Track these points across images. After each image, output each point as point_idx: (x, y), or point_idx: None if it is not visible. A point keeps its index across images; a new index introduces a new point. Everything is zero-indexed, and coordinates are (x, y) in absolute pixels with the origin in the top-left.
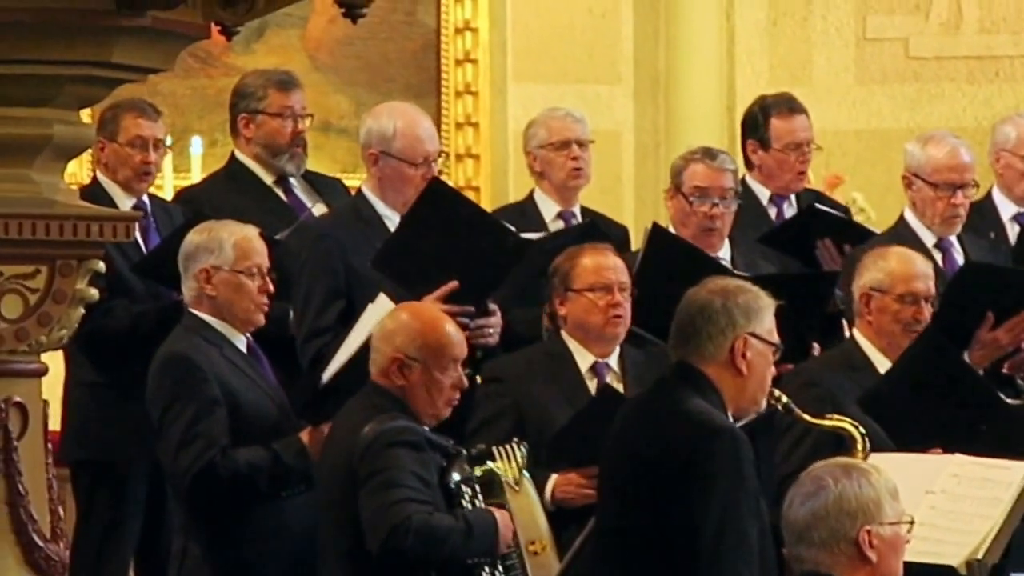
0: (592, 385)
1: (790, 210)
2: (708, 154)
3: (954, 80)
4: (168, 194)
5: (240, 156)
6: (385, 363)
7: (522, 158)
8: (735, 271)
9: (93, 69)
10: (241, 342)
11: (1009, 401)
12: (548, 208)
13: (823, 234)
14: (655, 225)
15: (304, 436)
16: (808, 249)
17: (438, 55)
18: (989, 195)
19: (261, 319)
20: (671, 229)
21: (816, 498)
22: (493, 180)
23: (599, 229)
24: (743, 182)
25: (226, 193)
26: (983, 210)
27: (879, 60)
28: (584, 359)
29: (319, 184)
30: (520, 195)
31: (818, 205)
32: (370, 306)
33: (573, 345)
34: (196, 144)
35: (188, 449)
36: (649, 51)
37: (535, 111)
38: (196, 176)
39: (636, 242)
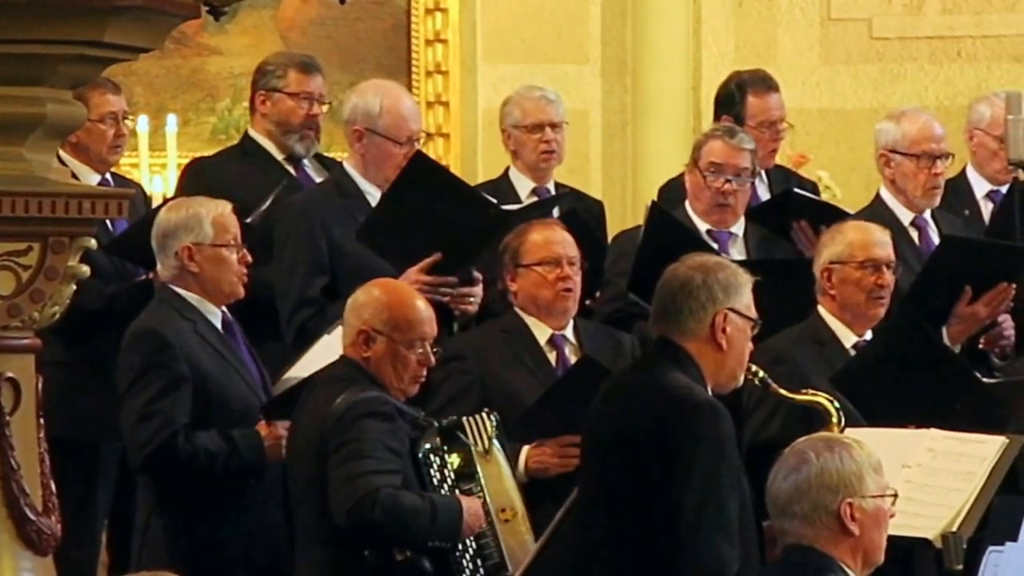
0: (552, 357)
1: (761, 186)
2: (728, 132)
3: (917, 60)
4: (144, 173)
5: (253, 133)
6: (352, 335)
7: (492, 137)
8: (748, 247)
9: (85, 48)
10: (216, 317)
11: (984, 380)
12: (523, 185)
13: (799, 216)
14: (654, 203)
15: (262, 429)
16: (783, 231)
17: (408, 35)
18: (963, 173)
19: (241, 291)
20: (686, 204)
21: (798, 472)
22: (463, 159)
23: (575, 209)
24: None
25: (236, 166)
26: (957, 188)
27: (843, 40)
28: (541, 332)
29: (331, 167)
30: (490, 174)
31: (796, 190)
32: (325, 336)
33: (528, 320)
34: (171, 123)
35: (145, 425)
36: (617, 31)
37: (504, 91)
38: (172, 155)
39: (609, 219)
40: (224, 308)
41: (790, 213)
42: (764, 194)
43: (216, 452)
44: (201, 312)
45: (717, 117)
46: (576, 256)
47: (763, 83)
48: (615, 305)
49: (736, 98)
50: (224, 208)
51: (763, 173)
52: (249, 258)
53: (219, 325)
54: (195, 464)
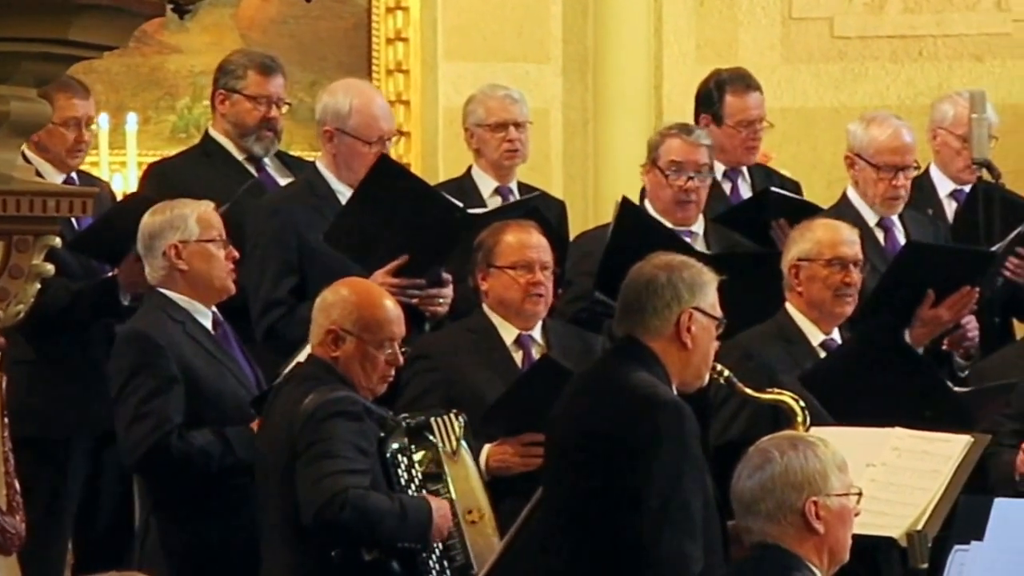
0: (519, 358)
1: (744, 184)
2: (684, 129)
3: (878, 59)
4: (104, 172)
5: (213, 133)
6: (320, 334)
7: (452, 136)
8: (708, 245)
9: (50, 46)
10: (207, 318)
11: (955, 389)
12: (485, 184)
13: (777, 215)
14: (624, 200)
15: (255, 427)
16: (762, 229)
17: (369, 34)
18: (927, 172)
19: (232, 286)
20: (647, 203)
21: (763, 470)
22: (424, 157)
23: (539, 211)
24: None
25: (197, 168)
26: (921, 186)
27: (804, 39)
28: (508, 333)
29: (293, 165)
30: (450, 172)
31: (773, 188)
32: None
33: (496, 320)
34: (131, 121)
35: (139, 425)
36: (578, 30)
37: (466, 89)
38: (132, 153)
39: (571, 218)
40: (215, 309)
41: (768, 212)
42: (746, 192)
43: (211, 450)
44: (190, 313)
45: (697, 115)
46: (549, 261)
47: (742, 82)
48: (579, 305)
49: (714, 97)
50: (208, 206)
51: (745, 172)
52: (236, 254)
53: (209, 326)
54: (190, 463)
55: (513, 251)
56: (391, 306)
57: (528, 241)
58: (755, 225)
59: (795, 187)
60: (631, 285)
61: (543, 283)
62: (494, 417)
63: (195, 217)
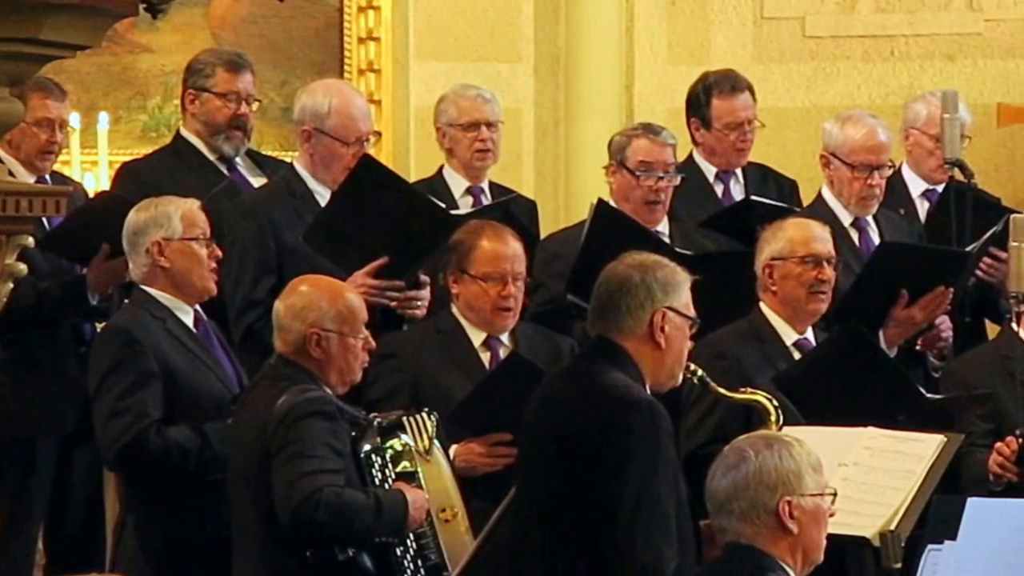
0: (486, 359)
1: (736, 186)
2: (650, 129)
3: (849, 59)
4: (76, 171)
5: (184, 132)
6: (298, 340)
7: (424, 135)
8: (674, 246)
9: (23, 46)
10: (188, 316)
11: (928, 396)
12: (457, 184)
13: (763, 220)
14: (600, 201)
15: None
16: (749, 233)
17: (341, 33)
18: (899, 172)
19: (213, 286)
20: (612, 203)
21: (737, 470)
22: (395, 157)
23: (512, 214)
24: (690, 158)
25: (169, 168)
26: (894, 186)
27: (776, 39)
28: (477, 335)
29: (264, 163)
30: (422, 172)
31: (754, 197)
32: None
33: (464, 321)
34: (103, 120)
35: (117, 420)
36: (549, 30)
37: (437, 89)
38: (103, 153)
39: (542, 218)
40: (198, 307)
41: (753, 219)
42: (739, 194)
43: (189, 446)
44: (171, 311)
45: (688, 119)
46: (523, 271)
47: (728, 85)
48: (548, 307)
49: (702, 100)
50: (193, 204)
51: (738, 173)
52: (219, 253)
53: (191, 323)
54: (168, 459)
55: (487, 261)
56: (353, 293)
57: (503, 252)
58: (742, 230)
59: (791, 185)
60: (604, 285)
61: (514, 295)
62: (462, 416)
63: (180, 215)
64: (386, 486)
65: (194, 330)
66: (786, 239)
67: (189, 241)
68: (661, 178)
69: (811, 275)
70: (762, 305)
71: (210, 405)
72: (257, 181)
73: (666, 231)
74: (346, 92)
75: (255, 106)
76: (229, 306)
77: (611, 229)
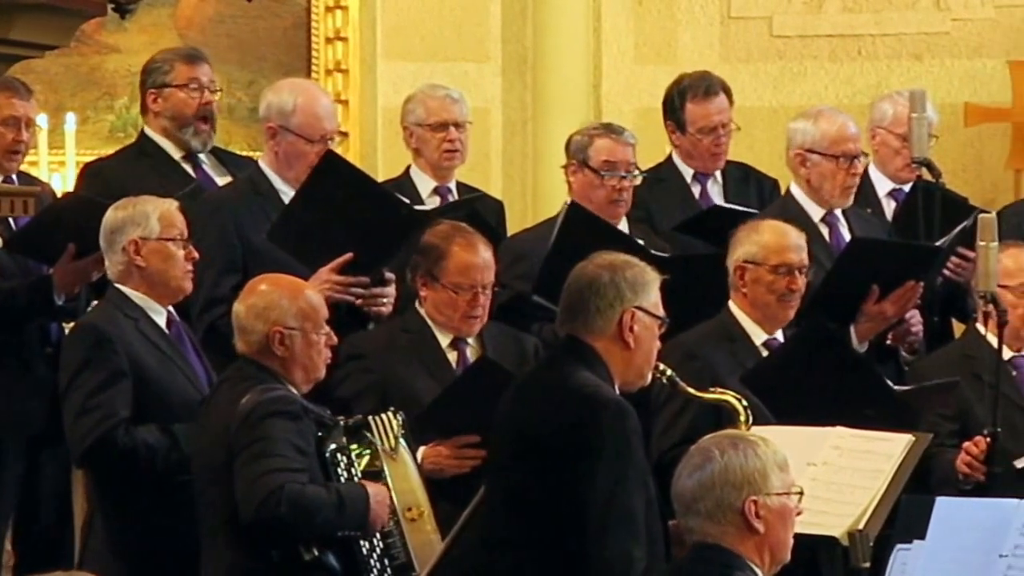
0: (453, 359)
1: (715, 187)
2: (612, 129)
3: (817, 58)
4: (43, 171)
5: (149, 132)
6: (261, 340)
7: (391, 135)
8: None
9: None
10: (161, 316)
11: (895, 388)
12: (424, 184)
13: (732, 226)
14: (574, 203)
15: None
16: (722, 236)
17: (308, 33)
18: (866, 171)
19: (189, 286)
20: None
21: (702, 470)
22: (362, 157)
23: (478, 213)
24: (669, 159)
25: (134, 168)
26: (860, 186)
27: (743, 38)
28: (444, 336)
29: (229, 161)
30: (389, 172)
31: (720, 204)
32: None
33: (431, 322)
34: (70, 121)
35: (86, 418)
36: (517, 29)
37: (404, 89)
38: (71, 153)
39: (510, 218)
40: (171, 308)
41: (724, 224)
42: (717, 197)
43: (157, 446)
44: (144, 310)
45: (664, 122)
46: (492, 280)
47: (702, 89)
48: (509, 303)
49: (676, 105)
50: (171, 205)
51: (717, 175)
52: (196, 255)
53: (163, 324)
54: (136, 457)
55: (458, 271)
56: (312, 290)
57: (474, 262)
58: (715, 233)
59: (772, 185)
60: (574, 284)
61: (481, 304)
62: (430, 418)
63: (158, 215)
64: None
65: (166, 331)
66: (761, 244)
67: (166, 241)
68: (624, 177)
69: (782, 284)
70: (732, 305)
71: (180, 406)
72: (222, 180)
73: (626, 231)
74: (311, 91)
75: (217, 96)
76: (192, 303)
77: (583, 232)
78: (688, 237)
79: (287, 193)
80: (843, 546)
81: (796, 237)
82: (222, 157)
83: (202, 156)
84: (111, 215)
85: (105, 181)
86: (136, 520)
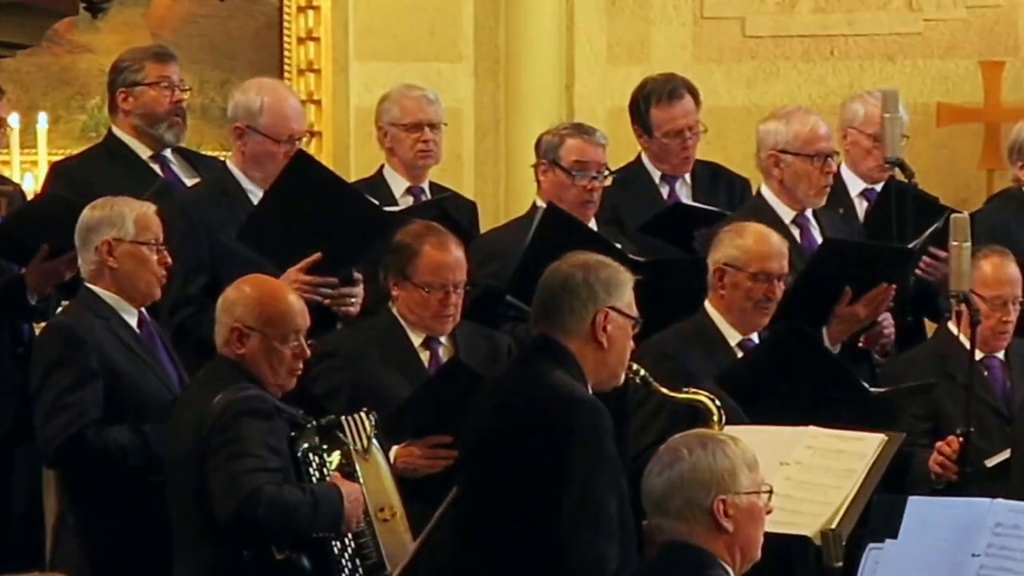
0: (426, 358)
1: (683, 188)
2: (582, 129)
3: (789, 59)
4: (15, 171)
5: (117, 132)
6: (225, 333)
7: (364, 135)
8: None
9: None
10: (132, 317)
11: (871, 389)
12: (397, 184)
13: (699, 224)
14: (551, 205)
15: None
16: (687, 238)
17: (280, 33)
18: (838, 171)
19: (158, 293)
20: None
21: (671, 469)
22: (335, 157)
23: (447, 213)
24: (638, 160)
25: (101, 167)
26: (832, 186)
27: (716, 39)
28: (416, 335)
29: (197, 161)
30: (362, 172)
31: (684, 201)
32: None
33: (403, 322)
34: (42, 120)
35: (56, 418)
36: (489, 30)
37: (377, 89)
38: (43, 152)
39: (483, 218)
40: (143, 308)
41: (692, 224)
42: (686, 197)
43: (127, 446)
44: (116, 311)
45: (632, 125)
46: (463, 279)
47: (667, 92)
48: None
49: (641, 109)
50: (148, 208)
51: (686, 176)
52: (169, 260)
53: (135, 324)
54: (106, 457)
55: (430, 270)
56: (293, 299)
57: (445, 261)
58: (680, 233)
59: (743, 184)
60: (547, 284)
61: (454, 303)
62: (402, 418)
63: (133, 217)
64: None
65: (138, 331)
66: (743, 248)
67: (140, 244)
68: (595, 178)
69: (760, 291)
70: (708, 306)
71: (151, 406)
72: (190, 180)
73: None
74: (279, 90)
75: (187, 94)
76: (161, 303)
77: (560, 234)
78: (652, 237)
79: (255, 193)
80: (816, 545)
81: (779, 244)
82: (190, 157)
83: (170, 156)
84: (87, 214)
85: (72, 180)
86: (107, 519)
